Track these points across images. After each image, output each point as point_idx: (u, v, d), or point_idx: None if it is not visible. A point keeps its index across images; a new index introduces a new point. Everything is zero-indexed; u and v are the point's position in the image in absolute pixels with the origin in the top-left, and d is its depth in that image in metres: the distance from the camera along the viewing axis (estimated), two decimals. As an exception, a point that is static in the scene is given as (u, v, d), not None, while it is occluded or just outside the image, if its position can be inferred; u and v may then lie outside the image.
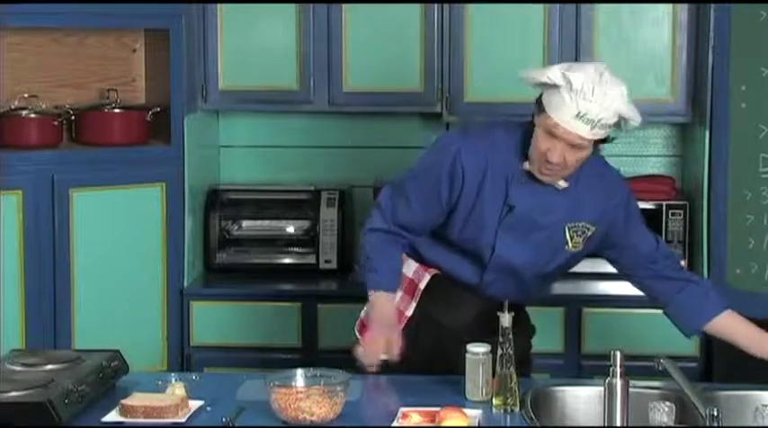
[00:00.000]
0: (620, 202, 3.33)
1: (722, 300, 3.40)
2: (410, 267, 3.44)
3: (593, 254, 4.35)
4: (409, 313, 3.42)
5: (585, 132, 3.07)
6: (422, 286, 3.41)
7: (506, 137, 3.25)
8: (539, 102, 3.13)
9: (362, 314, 3.49)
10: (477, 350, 3.09)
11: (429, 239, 3.40)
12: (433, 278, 3.41)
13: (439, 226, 3.34)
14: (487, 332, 3.18)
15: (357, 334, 3.47)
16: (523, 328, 3.43)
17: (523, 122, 3.22)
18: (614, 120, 3.11)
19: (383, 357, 3.27)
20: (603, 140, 3.16)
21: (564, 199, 3.24)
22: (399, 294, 3.42)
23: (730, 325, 3.36)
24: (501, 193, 3.23)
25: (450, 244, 3.35)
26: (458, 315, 3.39)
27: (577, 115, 3.05)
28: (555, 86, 3.07)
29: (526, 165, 3.20)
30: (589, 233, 3.30)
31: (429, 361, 3.37)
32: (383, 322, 3.31)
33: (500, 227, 3.25)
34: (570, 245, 3.29)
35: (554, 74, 3.06)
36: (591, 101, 3.04)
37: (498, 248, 3.28)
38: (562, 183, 3.21)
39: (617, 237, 3.35)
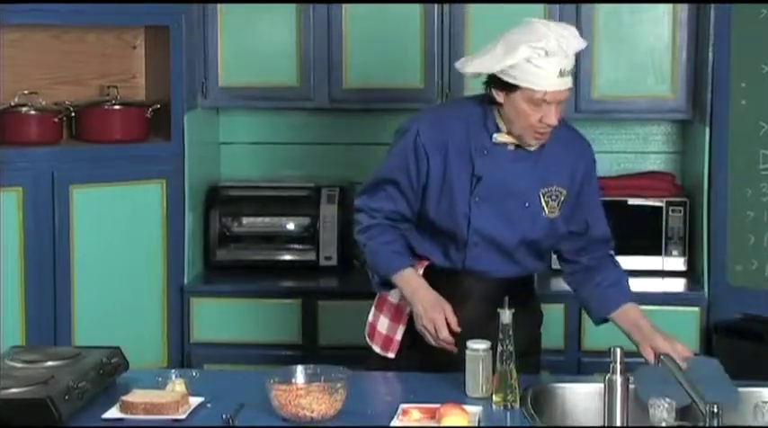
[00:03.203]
0: (586, 170, 3.40)
1: (628, 292, 3.43)
2: None
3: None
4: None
5: (569, 83, 3.19)
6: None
7: (463, 112, 3.35)
8: (499, 81, 3.19)
9: (370, 317, 3.50)
10: (477, 346, 3.09)
11: (414, 230, 3.42)
12: (427, 270, 3.41)
13: (419, 209, 3.38)
14: (489, 324, 3.20)
15: (368, 339, 3.49)
16: (531, 315, 3.47)
17: (475, 96, 3.36)
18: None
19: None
20: None
21: (533, 165, 3.31)
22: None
23: (629, 319, 3.35)
24: (467, 166, 3.31)
25: (433, 228, 3.37)
26: (459, 301, 3.37)
27: (560, 74, 3.15)
28: (524, 61, 3.13)
29: (497, 137, 3.28)
30: (562, 197, 3.35)
31: (432, 358, 3.36)
32: (427, 300, 3.30)
33: (472, 199, 3.31)
34: (547, 210, 3.34)
35: (524, 52, 3.12)
36: (566, 56, 3.15)
37: (474, 219, 3.32)
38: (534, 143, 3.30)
39: (583, 206, 3.40)
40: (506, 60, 3.14)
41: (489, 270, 3.36)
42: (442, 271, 3.39)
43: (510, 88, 3.17)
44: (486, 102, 3.29)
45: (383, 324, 3.46)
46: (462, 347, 3.19)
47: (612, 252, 3.49)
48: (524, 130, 3.23)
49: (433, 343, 3.28)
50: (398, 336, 3.43)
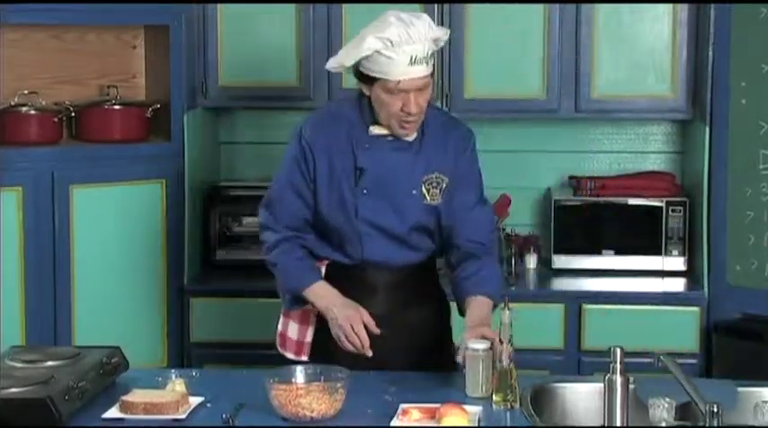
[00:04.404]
0: (468, 158, 3.44)
1: (485, 286, 3.38)
2: None
3: (596, 253, 4.40)
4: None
5: (424, 70, 3.25)
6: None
7: (343, 109, 3.44)
8: (361, 74, 3.29)
9: (279, 327, 3.52)
10: (477, 346, 3.09)
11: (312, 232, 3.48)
12: (330, 268, 3.45)
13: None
14: (401, 314, 3.36)
15: (279, 349, 3.51)
16: (438, 303, 3.51)
17: (357, 93, 3.40)
18: (433, 45, 3.29)
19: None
20: None
21: (414, 154, 3.38)
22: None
23: (469, 309, 3.34)
24: (350, 160, 3.38)
25: (327, 226, 3.42)
26: (367, 296, 3.41)
27: (411, 62, 3.21)
28: (375, 53, 3.21)
29: (373, 130, 3.36)
30: (443, 184, 3.40)
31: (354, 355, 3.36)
32: (340, 302, 3.35)
33: (359, 191, 3.37)
34: (428, 198, 3.39)
35: (371, 43, 3.22)
36: (414, 42, 3.20)
37: (361, 210, 3.37)
38: (413, 134, 3.36)
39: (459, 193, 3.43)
40: (356, 53, 3.25)
41: (388, 258, 3.41)
42: (344, 268, 3.44)
43: (369, 80, 3.27)
44: (363, 96, 3.37)
45: (293, 329, 3.49)
46: (375, 344, 3.26)
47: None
48: (389, 120, 3.31)
49: (348, 346, 3.29)
50: (309, 338, 3.47)
